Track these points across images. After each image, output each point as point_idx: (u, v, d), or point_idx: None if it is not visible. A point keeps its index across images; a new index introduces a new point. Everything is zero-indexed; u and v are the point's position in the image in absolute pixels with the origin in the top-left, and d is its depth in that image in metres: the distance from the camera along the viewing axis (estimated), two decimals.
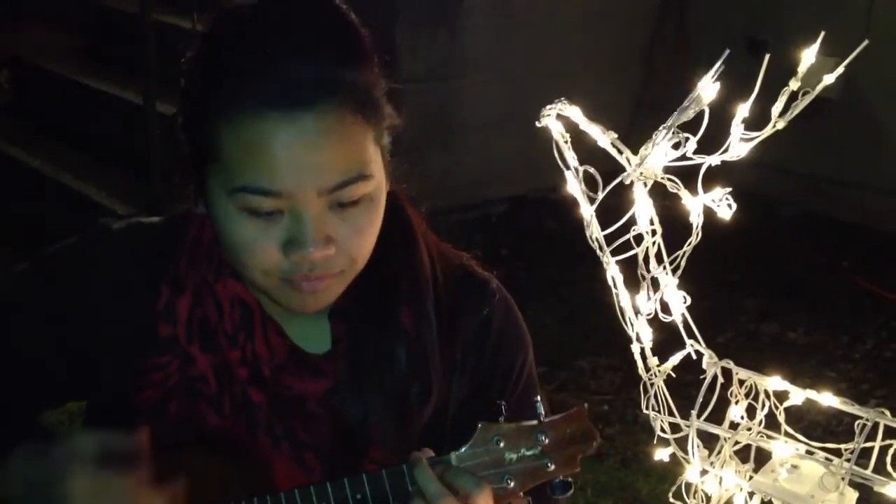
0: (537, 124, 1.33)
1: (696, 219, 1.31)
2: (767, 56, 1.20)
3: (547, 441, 1.23)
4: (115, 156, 4.52)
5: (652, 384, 1.43)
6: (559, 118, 1.34)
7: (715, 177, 1.29)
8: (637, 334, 1.40)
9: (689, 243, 1.30)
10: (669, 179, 1.31)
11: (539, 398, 1.26)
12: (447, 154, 4.49)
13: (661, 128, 1.26)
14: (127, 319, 1.26)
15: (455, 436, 1.31)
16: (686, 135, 1.25)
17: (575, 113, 1.33)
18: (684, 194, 1.30)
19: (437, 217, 1.39)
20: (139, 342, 1.26)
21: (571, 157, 1.33)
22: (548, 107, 1.34)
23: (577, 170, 1.32)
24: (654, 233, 1.34)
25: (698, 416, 1.41)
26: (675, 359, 1.42)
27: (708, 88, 1.20)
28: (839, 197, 4.75)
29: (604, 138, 1.31)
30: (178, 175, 1.27)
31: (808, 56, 1.22)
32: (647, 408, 1.45)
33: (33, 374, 1.29)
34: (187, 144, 1.21)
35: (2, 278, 1.36)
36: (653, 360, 1.43)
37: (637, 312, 1.39)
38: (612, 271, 1.37)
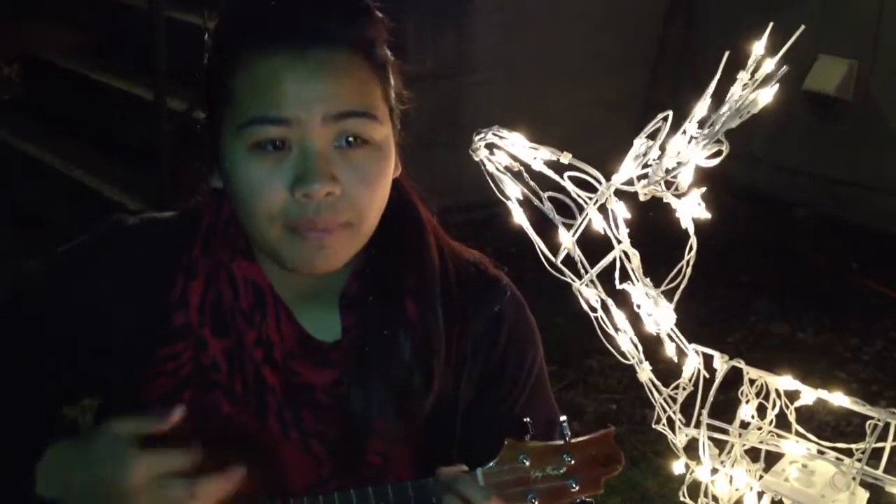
0: (473, 156, 1.27)
1: (691, 226, 1.25)
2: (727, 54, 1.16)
3: (572, 462, 1.25)
4: (126, 152, 4.53)
5: (675, 400, 1.41)
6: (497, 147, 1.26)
7: (726, 178, 1.27)
8: (639, 360, 1.38)
9: (690, 247, 1.27)
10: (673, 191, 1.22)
11: (565, 419, 1.27)
12: (455, 153, 4.46)
13: (697, 136, 1.18)
14: (141, 313, 1.27)
15: (465, 432, 1.31)
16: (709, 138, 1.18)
17: (514, 140, 1.26)
18: (676, 203, 1.24)
19: (445, 215, 1.40)
20: (154, 334, 1.27)
21: (514, 187, 1.27)
22: (477, 137, 1.26)
23: (541, 198, 1.25)
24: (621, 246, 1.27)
25: (709, 416, 1.41)
26: (687, 373, 1.40)
27: (764, 94, 1.16)
28: (850, 198, 4.74)
29: (540, 160, 1.24)
30: (194, 151, 1.30)
31: (758, 48, 1.19)
32: (656, 423, 1.44)
33: (49, 371, 1.30)
34: (206, 104, 1.25)
35: (15, 276, 1.36)
36: (644, 372, 1.40)
37: (664, 331, 1.34)
38: (594, 297, 1.32)
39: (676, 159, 1.19)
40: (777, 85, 1.17)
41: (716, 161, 1.18)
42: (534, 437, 1.24)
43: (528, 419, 1.25)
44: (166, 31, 4.01)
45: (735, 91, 1.18)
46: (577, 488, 1.24)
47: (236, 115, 1.18)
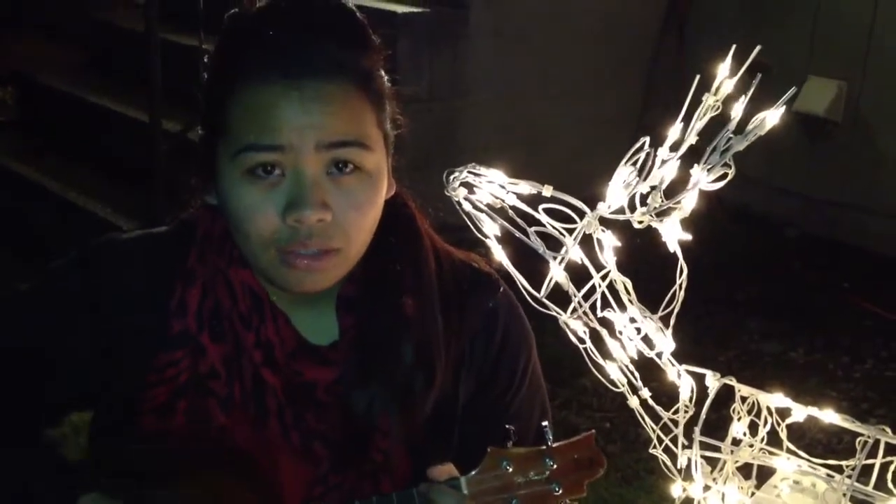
0: (447, 193, 1.28)
1: (678, 249, 1.25)
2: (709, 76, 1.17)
3: (555, 466, 1.26)
4: (121, 173, 4.53)
5: (675, 423, 1.41)
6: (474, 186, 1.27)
7: (719, 199, 1.27)
8: (629, 389, 1.38)
9: (681, 271, 1.28)
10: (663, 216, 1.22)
11: (547, 424, 1.28)
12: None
13: (701, 162, 1.17)
14: (139, 325, 1.29)
15: (461, 431, 1.32)
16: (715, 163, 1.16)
17: (492, 176, 1.27)
18: (661, 228, 1.23)
19: (440, 235, 1.41)
20: (152, 344, 1.28)
21: (493, 225, 1.27)
22: (452, 177, 1.27)
23: (527, 232, 1.25)
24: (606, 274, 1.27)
25: (702, 433, 1.42)
26: (684, 396, 1.41)
27: (771, 115, 1.16)
28: (841, 219, 4.77)
29: (522, 193, 1.24)
30: (192, 170, 1.32)
31: (723, 70, 1.21)
32: (653, 447, 1.45)
33: (44, 386, 1.31)
34: (204, 125, 1.28)
35: (10, 294, 1.37)
36: (633, 399, 1.42)
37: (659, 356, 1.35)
38: (580, 329, 1.32)
39: (669, 183, 1.20)
40: (783, 107, 1.18)
41: (721, 184, 1.18)
42: (518, 443, 1.25)
43: (511, 426, 1.26)
44: (162, 54, 4.02)
45: (700, 112, 1.20)
46: (561, 492, 1.26)
47: (232, 141, 1.20)
